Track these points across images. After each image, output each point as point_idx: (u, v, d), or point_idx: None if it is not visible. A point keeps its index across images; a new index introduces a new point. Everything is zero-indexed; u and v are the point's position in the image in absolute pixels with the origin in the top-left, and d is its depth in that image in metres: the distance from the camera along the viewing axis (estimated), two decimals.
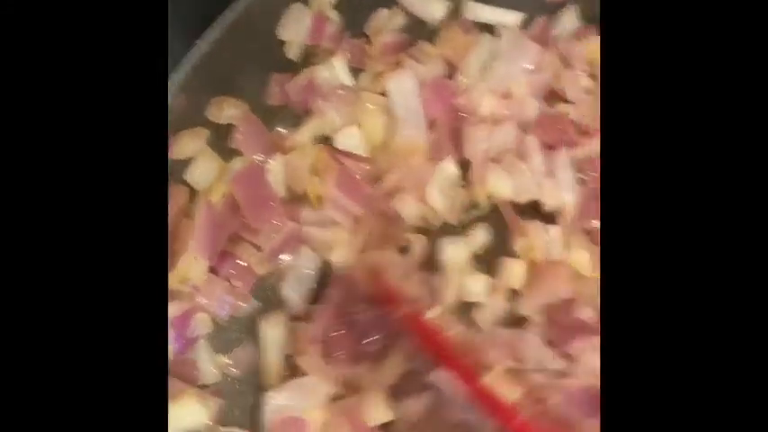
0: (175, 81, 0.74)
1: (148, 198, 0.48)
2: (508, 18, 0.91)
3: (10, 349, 0.44)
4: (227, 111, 0.80)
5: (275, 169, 0.81)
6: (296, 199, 0.82)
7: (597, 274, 0.79)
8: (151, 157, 0.48)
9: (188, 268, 0.77)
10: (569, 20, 0.91)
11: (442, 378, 0.73)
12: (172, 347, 0.75)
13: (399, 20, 0.87)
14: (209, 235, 0.76)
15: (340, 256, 0.80)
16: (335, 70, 0.85)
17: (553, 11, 0.92)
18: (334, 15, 0.83)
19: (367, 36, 0.87)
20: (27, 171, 0.46)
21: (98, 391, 0.45)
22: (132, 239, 0.47)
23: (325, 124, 0.84)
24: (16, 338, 0.44)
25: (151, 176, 0.48)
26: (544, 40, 0.88)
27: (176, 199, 0.78)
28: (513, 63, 0.86)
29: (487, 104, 0.85)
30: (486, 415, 0.71)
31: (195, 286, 0.77)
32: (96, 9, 0.48)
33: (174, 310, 0.76)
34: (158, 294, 0.48)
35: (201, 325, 0.77)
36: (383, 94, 0.85)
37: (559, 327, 0.77)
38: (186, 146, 0.79)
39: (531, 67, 0.86)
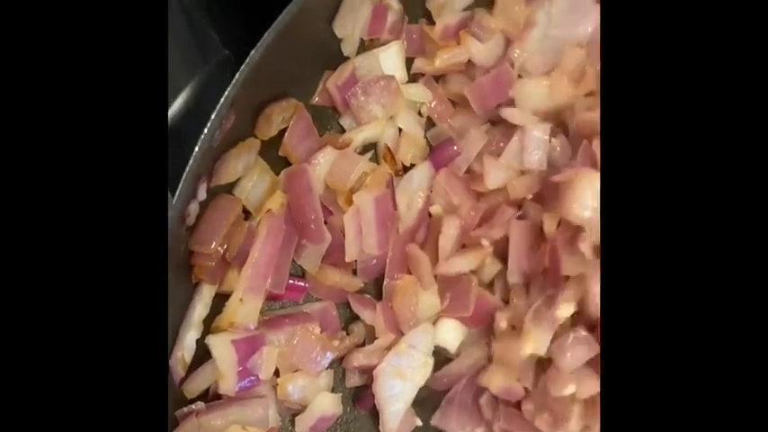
0: (228, 97, 0.64)
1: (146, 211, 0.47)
2: None
3: None
4: (277, 117, 0.71)
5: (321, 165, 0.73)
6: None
7: None
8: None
9: (234, 311, 0.68)
10: None
11: None
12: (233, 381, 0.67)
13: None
14: (273, 255, 0.69)
15: None
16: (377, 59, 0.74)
17: None
18: (394, 2, 0.73)
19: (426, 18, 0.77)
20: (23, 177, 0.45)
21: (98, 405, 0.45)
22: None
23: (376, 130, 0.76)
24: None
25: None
26: None
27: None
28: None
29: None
30: None
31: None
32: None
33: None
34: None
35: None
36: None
37: None
38: (236, 163, 0.68)
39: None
